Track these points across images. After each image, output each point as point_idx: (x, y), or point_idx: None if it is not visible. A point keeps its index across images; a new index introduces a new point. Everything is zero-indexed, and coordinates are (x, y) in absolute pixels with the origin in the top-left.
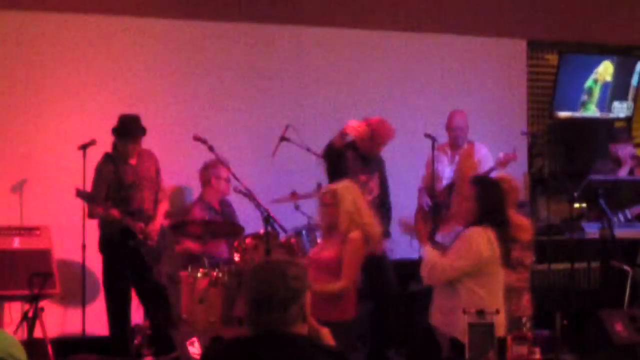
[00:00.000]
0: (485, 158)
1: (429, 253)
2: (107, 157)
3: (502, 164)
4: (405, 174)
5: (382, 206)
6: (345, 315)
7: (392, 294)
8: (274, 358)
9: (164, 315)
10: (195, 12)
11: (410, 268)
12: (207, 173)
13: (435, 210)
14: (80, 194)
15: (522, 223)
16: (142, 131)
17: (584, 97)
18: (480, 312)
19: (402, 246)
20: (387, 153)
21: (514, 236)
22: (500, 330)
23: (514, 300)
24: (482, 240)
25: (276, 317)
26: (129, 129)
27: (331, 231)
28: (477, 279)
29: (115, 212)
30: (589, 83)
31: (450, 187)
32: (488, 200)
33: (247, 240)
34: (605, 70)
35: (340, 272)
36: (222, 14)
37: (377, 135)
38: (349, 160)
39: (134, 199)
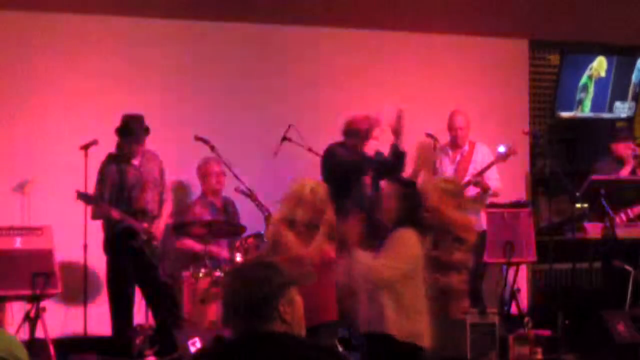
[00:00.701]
0: (486, 155)
1: (360, 257)
2: (110, 158)
3: (501, 157)
4: (408, 174)
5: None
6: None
7: None
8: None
9: (170, 315)
10: (196, 12)
11: None
12: (201, 170)
13: None
14: (80, 195)
15: (468, 223)
16: (146, 131)
17: (581, 95)
18: (482, 312)
19: None
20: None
21: (459, 237)
22: (424, 340)
23: (454, 302)
24: (416, 241)
25: (255, 321)
26: (132, 129)
27: None
28: (408, 280)
29: (115, 214)
30: (583, 80)
31: None
32: (410, 201)
33: (249, 240)
34: (599, 65)
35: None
36: (223, 14)
37: (361, 127)
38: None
39: (137, 200)
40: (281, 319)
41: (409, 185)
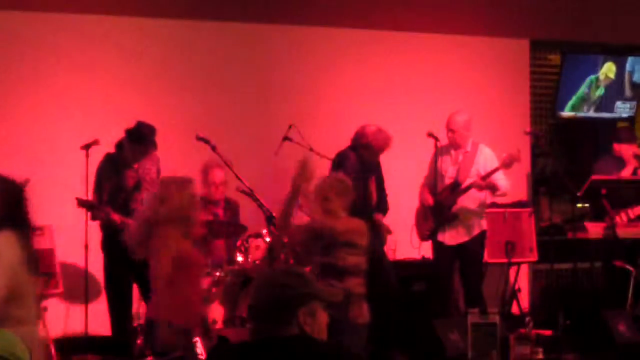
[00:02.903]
0: (490, 159)
1: None
2: (108, 159)
3: (506, 164)
4: (409, 174)
5: (380, 208)
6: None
7: (393, 294)
8: None
9: None
10: (196, 12)
11: (412, 269)
12: (204, 177)
13: (437, 209)
14: (81, 203)
15: (358, 227)
16: (155, 145)
17: (586, 96)
18: (484, 312)
19: (403, 247)
20: (391, 153)
21: (350, 241)
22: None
23: (355, 305)
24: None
25: (273, 325)
26: (144, 138)
27: None
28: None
29: (115, 217)
30: (590, 82)
31: (452, 186)
32: (7, 201)
33: (251, 241)
34: (609, 69)
35: None
36: (224, 14)
37: (375, 145)
38: (349, 164)
39: (135, 201)
40: (300, 329)
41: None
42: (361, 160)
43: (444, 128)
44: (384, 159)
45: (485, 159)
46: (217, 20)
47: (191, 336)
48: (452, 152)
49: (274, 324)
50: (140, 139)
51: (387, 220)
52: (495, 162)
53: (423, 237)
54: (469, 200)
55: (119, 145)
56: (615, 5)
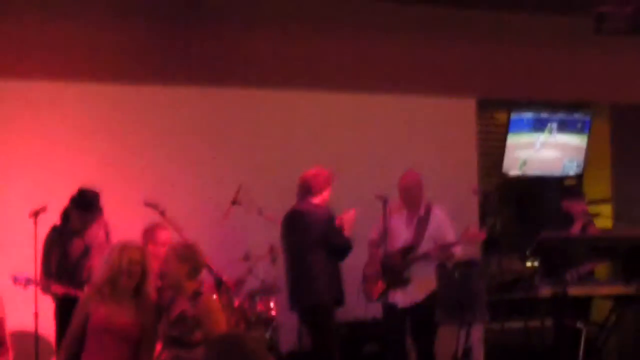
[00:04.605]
0: (443, 222)
1: None
2: (54, 231)
3: (468, 239)
4: (360, 235)
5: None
6: None
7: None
8: None
9: None
10: (147, 76)
11: (363, 330)
12: (147, 237)
13: (388, 272)
14: (16, 280)
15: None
16: (101, 210)
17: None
18: None
19: (355, 307)
20: (341, 213)
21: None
22: None
23: None
24: None
25: None
26: (90, 204)
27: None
28: None
29: (58, 289)
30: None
31: (406, 250)
32: None
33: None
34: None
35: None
36: (174, 78)
37: (317, 186)
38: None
39: (82, 270)
40: None
41: None
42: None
43: (392, 188)
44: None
45: (438, 223)
46: (168, 84)
47: None
48: (405, 212)
49: None
50: (85, 205)
51: None
52: (449, 224)
53: (372, 299)
54: (421, 263)
55: (65, 215)
56: (561, 63)
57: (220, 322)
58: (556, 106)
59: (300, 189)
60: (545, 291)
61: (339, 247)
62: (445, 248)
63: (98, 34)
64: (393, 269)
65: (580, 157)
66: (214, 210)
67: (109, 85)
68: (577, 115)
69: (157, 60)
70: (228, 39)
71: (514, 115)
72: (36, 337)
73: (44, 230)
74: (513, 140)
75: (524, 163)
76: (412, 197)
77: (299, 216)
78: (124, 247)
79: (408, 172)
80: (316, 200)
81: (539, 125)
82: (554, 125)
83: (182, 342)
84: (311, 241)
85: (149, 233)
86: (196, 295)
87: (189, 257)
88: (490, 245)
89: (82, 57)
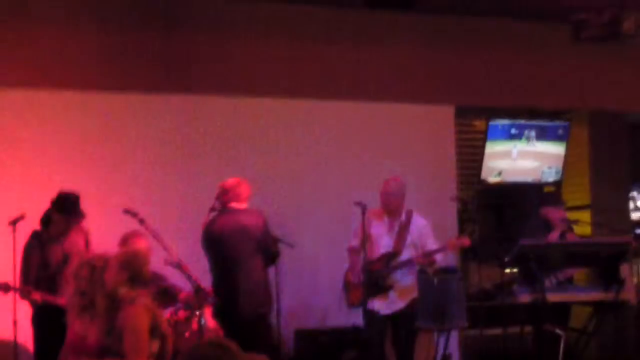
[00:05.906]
0: (423, 229)
1: None
2: (33, 237)
3: (452, 246)
4: (340, 242)
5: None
6: None
7: None
8: None
9: None
10: (123, 84)
11: (342, 336)
12: (123, 246)
13: (370, 278)
14: None
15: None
16: (82, 214)
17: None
18: None
19: (335, 314)
20: (321, 221)
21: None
22: None
23: None
24: None
25: None
26: (72, 206)
27: None
28: None
29: (36, 296)
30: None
31: (388, 256)
32: None
33: (180, 313)
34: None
35: None
36: (151, 86)
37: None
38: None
39: (62, 277)
40: None
41: None
42: None
43: (372, 195)
44: (311, 225)
45: (420, 229)
46: (145, 92)
47: None
48: (386, 219)
49: None
50: (66, 207)
51: (315, 286)
52: (430, 231)
53: (353, 305)
54: (403, 270)
55: (45, 220)
56: (540, 71)
57: (139, 335)
58: (535, 114)
59: (227, 196)
60: (524, 298)
61: (274, 254)
62: (428, 255)
63: (77, 42)
64: (375, 275)
65: (559, 164)
66: (195, 218)
67: (87, 93)
68: (555, 123)
69: (135, 68)
70: (207, 46)
71: (492, 123)
72: (15, 345)
73: (22, 238)
74: (491, 148)
75: (500, 173)
76: (393, 203)
77: (238, 223)
78: (89, 262)
79: (391, 178)
80: (242, 207)
81: (517, 133)
82: (533, 132)
83: (114, 352)
84: (251, 248)
85: (126, 241)
86: (128, 304)
87: (129, 265)
88: (469, 252)
89: (59, 64)
